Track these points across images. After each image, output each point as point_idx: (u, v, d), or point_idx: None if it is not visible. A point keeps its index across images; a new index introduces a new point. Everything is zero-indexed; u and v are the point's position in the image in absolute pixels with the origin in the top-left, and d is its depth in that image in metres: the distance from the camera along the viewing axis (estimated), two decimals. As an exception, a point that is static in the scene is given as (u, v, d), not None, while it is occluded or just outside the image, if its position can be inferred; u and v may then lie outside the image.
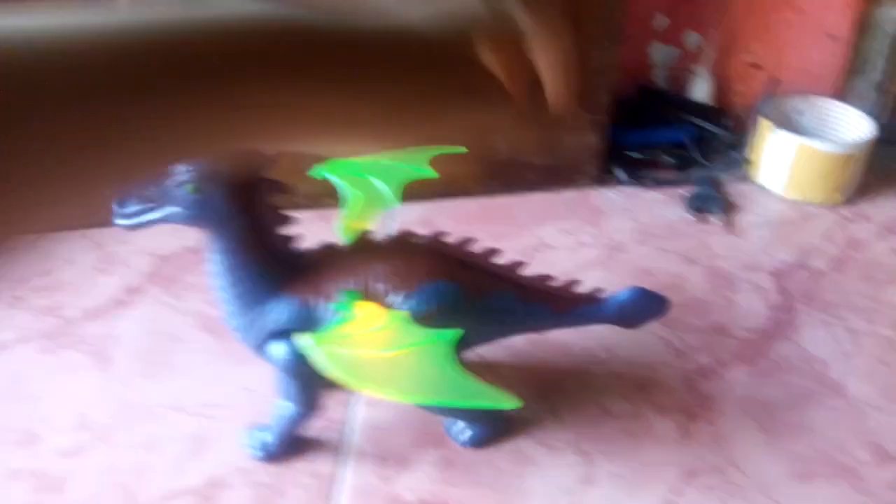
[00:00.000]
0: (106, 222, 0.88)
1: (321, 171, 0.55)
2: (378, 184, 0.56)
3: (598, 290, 0.60)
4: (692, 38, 0.97)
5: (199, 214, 0.50)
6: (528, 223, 0.88)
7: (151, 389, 0.67)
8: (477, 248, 0.57)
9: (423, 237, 0.56)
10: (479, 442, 0.61)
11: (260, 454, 0.60)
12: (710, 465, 0.60)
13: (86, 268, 0.83)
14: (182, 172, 0.48)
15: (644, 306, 0.61)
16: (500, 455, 0.61)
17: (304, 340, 0.49)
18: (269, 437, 0.59)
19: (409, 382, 0.46)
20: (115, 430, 0.63)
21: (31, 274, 0.82)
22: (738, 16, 0.95)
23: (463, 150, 0.61)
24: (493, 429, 0.61)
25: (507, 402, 0.46)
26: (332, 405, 0.64)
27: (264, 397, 0.64)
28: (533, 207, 0.91)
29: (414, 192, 0.90)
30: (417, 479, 0.59)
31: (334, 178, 0.56)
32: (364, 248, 0.55)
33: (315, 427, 0.62)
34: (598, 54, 0.83)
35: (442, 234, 0.56)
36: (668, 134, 0.95)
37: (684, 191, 0.93)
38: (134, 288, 0.79)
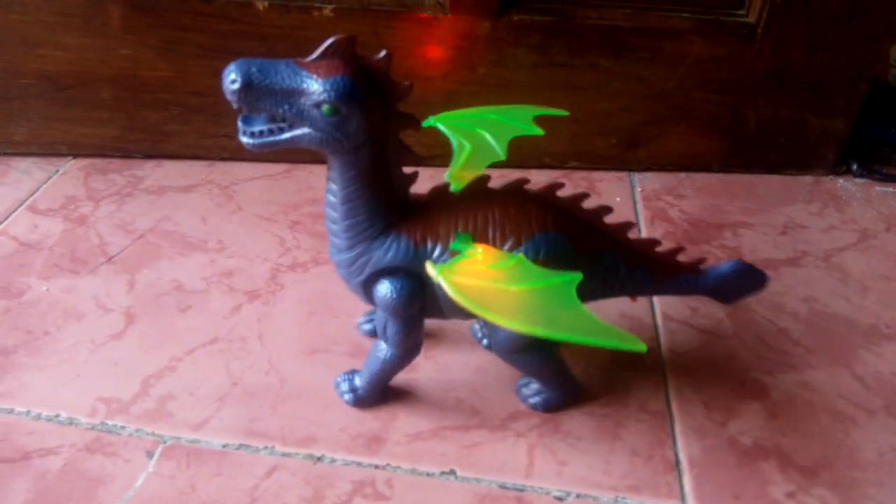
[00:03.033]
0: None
1: (432, 121, 0.55)
2: (488, 137, 0.55)
3: (700, 260, 0.60)
4: (933, 39, 0.99)
5: (331, 138, 0.46)
6: (775, 202, 0.89)
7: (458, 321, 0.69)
8: (588, 205, 0.56)
9: (536, 188, 0.55)
10: (549, 406, 0.60)
11: (349, 398, 0.60)
12: None
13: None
14: (319, 91, 0.45)
15: (743, 281, 0.61)
16: (820, 412, 0.62)
17: (430, 270, 0.48)
18: (359, 380, 0.59)
19: (534, 317, 0.45)
20: (448, 354, 0.66)
21: (299, 201, 0.85)
22: None
23: (565, 113, 0.62)
24: (566, 396, 0.61)
25: (633, 343, 0.45)
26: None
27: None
28: (774, 187, 0.92)
29: (655, 163, 0.93)
30: (748, 426, 0.61)
31: (444, 129, 0.56)
32: (476, 194, 0.54)
33: (632, 369, 0.65)
34: (870, 45, 0.85)
35: (556, 186, 0.55)
36: (903, 130, 0.97)
37: (916, 187, 0.95)
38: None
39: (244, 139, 0.48)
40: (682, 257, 0.59)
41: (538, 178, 0.90)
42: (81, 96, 0.85)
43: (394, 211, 0.52)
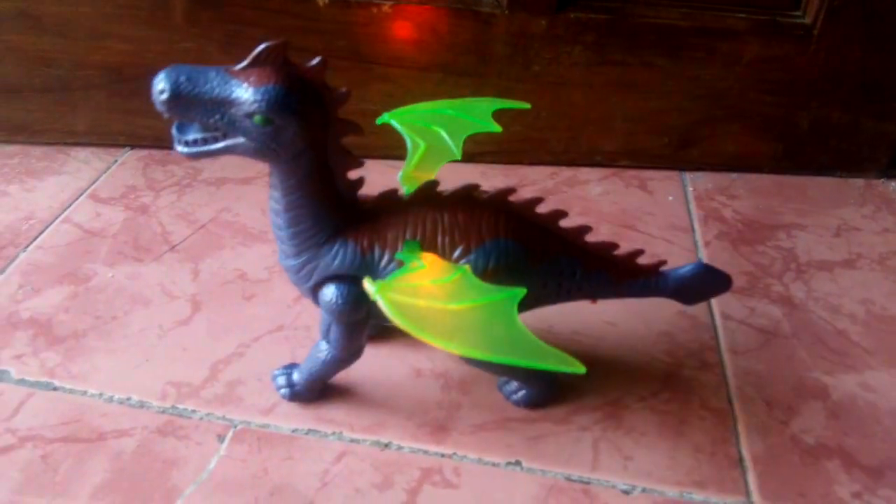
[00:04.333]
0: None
1: (387, 118, 0.54)
2: (443, 135, 0.54)
3: (661, 262, 0.59)
4: None
5: (266, 147, 0.45)
6: (826, 204, 0.89)
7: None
8: (542, 209, 0.55)
9: (488, 192, 0.53)
10: (532, 403, 0.60)
11: (286, 392, 0.60)
12: None
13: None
14: (250, 101, 0.43)
15: (706, 283, 0.59)
16: (882, 413, 0.62)
17: (367, 287, 0.47)
18: (297, 376, 0.59)
19: (471, 337, 0.45)
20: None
21: (353, 195, 0.86)
22: None
23: (527, 105, 0.59)
24: (546, 391, 0.60)
25: (571, 365, 0.44)
26: (701, 348, 0.67)
27: (628, 329, 0.68)
28: (826, 189, 0.92)
29: (707, 162, 0.93)
30: (810, 425, 0.61)
31: (399, 126, 0.54)
32: (426, 199, 0.52)
33: (692, 366, 0.65)
34: (929, 44, 0.84)
35: (508, 191, 0.54)
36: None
37: (970, 192, 0.94)
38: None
39: (179, 148, 0.47)
40: (642, 259, 0.58)
41: (588, 176, 0.91)
42: (143, 88, 0.86)
43: (340, 217, 0.51)
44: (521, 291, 0.47)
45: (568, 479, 0.56)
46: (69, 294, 0.70)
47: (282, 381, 0.60)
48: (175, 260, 0.74)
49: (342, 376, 0.62)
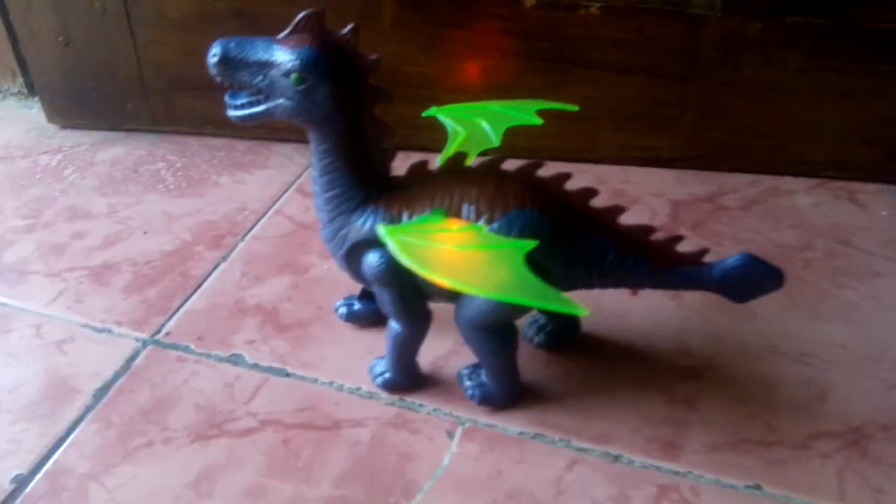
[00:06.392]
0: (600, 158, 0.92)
1: (433, 112, 0.55)
2: (484, 125, 0.55)
3: (704, 251, 0.55)
4: None
5: (302, 107, 0.50)
6: None
7: (741, 329, 0.67)
8: (573, 186, 0.54)
9: (515, 167, 0.54)
10: (486, 400, 0.59)
11: (380, 384, 0.61)
12: None
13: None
14: (287, 61, 0.48)
15: (754, 277, 0.54)
16: None
17: (379, 231, 0.49)
18: (384, 367, 0.60)
19: (478, 277, 0.46)
20: (732, 364, 0.64)
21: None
22: None
23: (575, 108, 0.57)
24: (506, 394, 0.59)
25: (577, 308, 0.44)
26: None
27: (861, 353, 0.65)
28: None
29: (846, 169, 0.86)
30: None
31: (442, 117, 0.55)
32: (455, 171, 0.55)
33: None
34: None
35: (538, 164, 0.53)
36: None
37: None
38: (662, 226, 0.80)
39: (229, 112, 0.52)
40: (682, 247, 0.56)
41: (792, 186, 0.87)
42: (343, 87, 0.90)
43: (373, 185, 0.54)
44: (530, 243, 0.48)
45: (813, 508, 0.53)
46: (290, 284, 0.73)
47: (377, 370, 0.62)
48: (384, 256, 0.76)
49: (562, 383, 0.62)
